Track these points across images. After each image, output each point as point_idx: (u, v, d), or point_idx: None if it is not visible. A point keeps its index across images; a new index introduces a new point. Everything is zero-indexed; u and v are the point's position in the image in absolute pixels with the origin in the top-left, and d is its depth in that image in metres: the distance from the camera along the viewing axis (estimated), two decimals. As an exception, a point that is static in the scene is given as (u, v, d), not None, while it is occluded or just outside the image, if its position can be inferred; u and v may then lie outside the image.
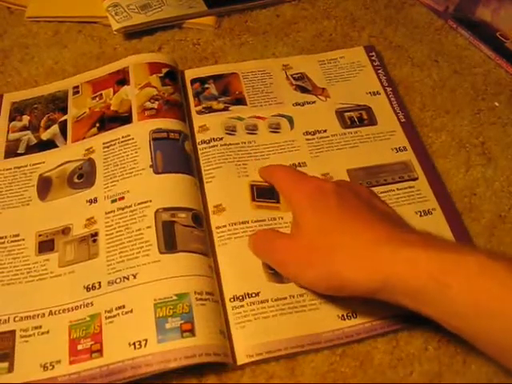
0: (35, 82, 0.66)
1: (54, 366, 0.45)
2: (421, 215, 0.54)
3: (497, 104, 0.65)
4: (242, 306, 0.49)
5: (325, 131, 0.61)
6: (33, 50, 0.70)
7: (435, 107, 0.64)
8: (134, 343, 0.45)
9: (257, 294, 0.49)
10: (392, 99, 0.64)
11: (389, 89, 0.65)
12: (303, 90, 0.65)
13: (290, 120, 0.62)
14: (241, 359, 0.46)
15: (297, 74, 0.66)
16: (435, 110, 0.64)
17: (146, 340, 0.45)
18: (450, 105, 0.65)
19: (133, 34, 0.71)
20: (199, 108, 0.62)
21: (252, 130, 0.60)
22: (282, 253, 0.48)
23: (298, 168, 0.58)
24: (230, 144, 0.59)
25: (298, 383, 0.46)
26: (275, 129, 0.61)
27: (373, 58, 0.68)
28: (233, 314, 0.48)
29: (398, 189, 0.56)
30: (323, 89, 0.65)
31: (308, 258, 0.45)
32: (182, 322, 0.45)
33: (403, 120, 0.62)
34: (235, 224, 0.53)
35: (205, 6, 0.72)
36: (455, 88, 0.66)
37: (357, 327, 0.48)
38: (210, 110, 0.62)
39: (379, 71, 0.67)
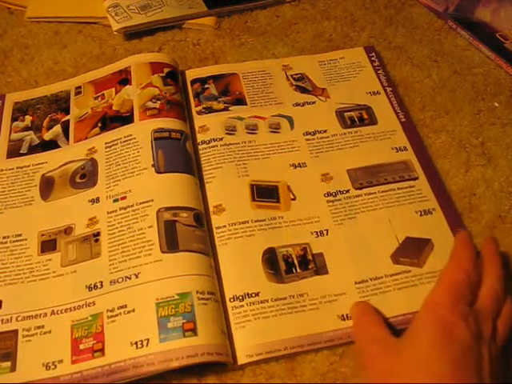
0: (35, 82, 0.67)
1: (56, 366, 0.45)
2: (421, 215, 0.55)
3: (496, 104, 0.65)
4: (242, 305, 0.49)
5: (325, 131, 0.61)
6: (33, 51, 0.70)
7: (435, 107, 0.64)
8: (135, 342, 0.45)
9: (257, 294, 0.49)
10: (392, 99, 0.64)
11: (389, 89, 0.65)
12: (303, 90, 0.65)
13: (290, 120, 0.62)
14: (241, 359, 0.46)
15: (297, 74, 0.66)
16: (435, 111, 0.64)
17: (148, 339, 0.45)
18: (449, 105, 0.65)
19: (133, 34, 0.71)
20: (199, 108, 0.62)
21: (252, 129, 0.61)
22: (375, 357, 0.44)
23: (298, 168, 0.58)
24: (230, 144, 0.59)
25: (298, 383, 0.46)
26: (275, 129, 0.61)
27: (373, 58, 0.68)
28: (233, 314, 0.49)
29: (398, 188, 0.56)
30: (323, 89, 0.65)
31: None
32: (184, 321, 0.46)
33: (403, 120, 0.62)
34: (235, 224, 0.53)
35: (205, 6, 0.72)
36: (455, 88, 0.66)
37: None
38: (210, 110, 0.62)
39: (379, 71, 0.67)
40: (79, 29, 0.72)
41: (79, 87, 0.64)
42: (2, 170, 0.58)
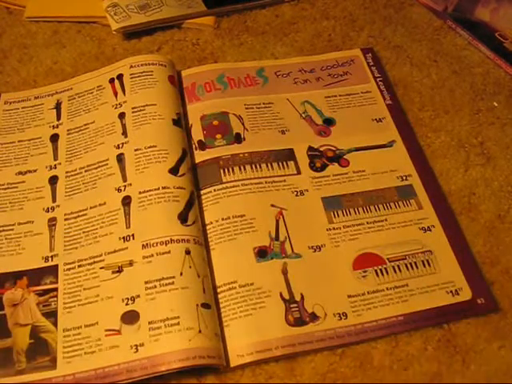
0: (34, 81, 0.67)
1: None
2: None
3: (496, 104, 0.65)
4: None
5: None
6: (32, 50, 0.70)
7: (434, 107, 0.64)
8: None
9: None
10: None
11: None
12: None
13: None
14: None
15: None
16: (434, 110, 0.64)
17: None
18: (449, 105, 0.65)
19: (132, 34, 0.71)
20: None
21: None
22: None
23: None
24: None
25: (298, 383, 0.46)
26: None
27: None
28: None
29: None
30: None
31: None
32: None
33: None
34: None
35: (204, 6, 0.72)
36: (454, 88, 0.66)
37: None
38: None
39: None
40: (78, 28, 0.72)
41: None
42: None
